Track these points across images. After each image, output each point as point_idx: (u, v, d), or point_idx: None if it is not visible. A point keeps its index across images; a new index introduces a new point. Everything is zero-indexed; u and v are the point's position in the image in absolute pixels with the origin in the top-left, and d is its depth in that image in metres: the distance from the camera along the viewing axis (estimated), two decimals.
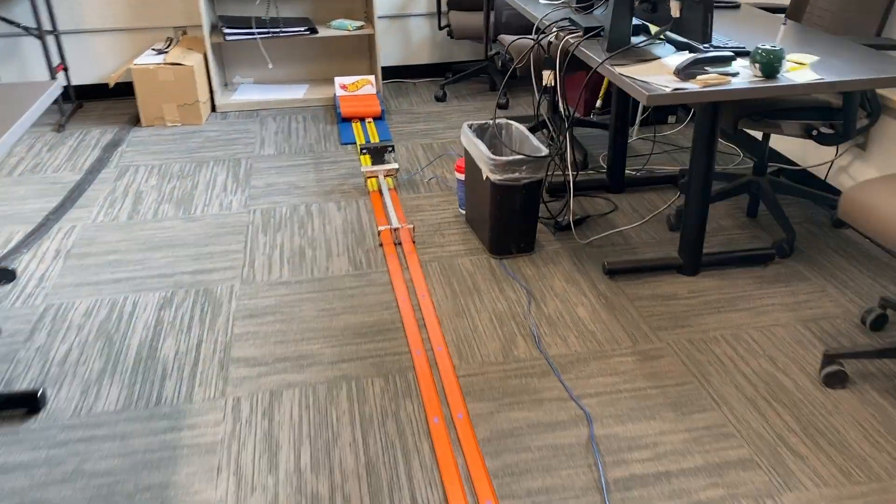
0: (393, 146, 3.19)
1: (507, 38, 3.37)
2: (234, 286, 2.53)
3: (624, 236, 2.79)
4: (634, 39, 2.28)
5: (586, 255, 2.67)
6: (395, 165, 3.17)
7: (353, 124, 3.93)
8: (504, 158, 2.46)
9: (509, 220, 2.58)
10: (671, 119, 3.83)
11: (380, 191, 3.16)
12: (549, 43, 2.50)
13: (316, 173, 3.38)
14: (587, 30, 2.34)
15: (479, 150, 2.53)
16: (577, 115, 3.88)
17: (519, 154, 2.56)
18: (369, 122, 3.94)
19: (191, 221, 2.97)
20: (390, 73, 4.66)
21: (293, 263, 2.65)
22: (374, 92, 4.18)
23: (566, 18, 2.51)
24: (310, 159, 3.53)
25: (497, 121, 2.76)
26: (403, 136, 3.78)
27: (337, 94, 4.15)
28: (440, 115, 4.06)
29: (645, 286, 2.48)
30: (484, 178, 2.55)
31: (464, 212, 2.95)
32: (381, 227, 2.76)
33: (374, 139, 3.72)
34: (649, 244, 2.74)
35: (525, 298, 2.43)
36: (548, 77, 2.51)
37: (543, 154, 2.49)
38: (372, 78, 4.17)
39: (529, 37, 2.83)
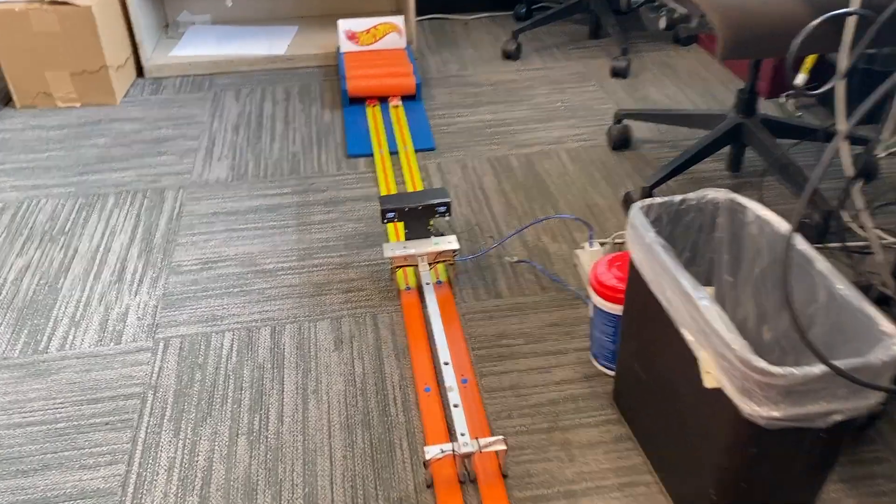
0: (447, 204, 1.57)
1: None
2: None
3: None
4: None
5: None
6: (453, 244, 1.57)
7: (369, 110, 2.29)
8: (794, 374, 0.86)
9: (769, 489, 1.02)
10: None
11: (421, 297, 1.57)
12: None
13: (298, 233, 1.79)
14: None
15: (700, 313, 0.94)
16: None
17: (825, 364, 0.94)
18: (395, 106, 2.30)
19: (35, 376, 1.43)
20: (427, 6, 2.95)
21: None
22: (403, 46, 2.51)
23: None
24: (289, 194, 1.93)
25: (719, 196, 1.15)
26: (455, 138, 2.15)
27: (341, 51, 2.49)
28: (515, 90, 2.40)
29: None
30: (709, 384, 0.97)
31: (608, 370, 1.38)
32: (429, 453, 1.19)
33: (405, 143, 2.09)
34: None
35: None
36: None
37: (892, 359, 0.89)
38: (399, 21, 2.49)
39: (854, 10, 1.20)
